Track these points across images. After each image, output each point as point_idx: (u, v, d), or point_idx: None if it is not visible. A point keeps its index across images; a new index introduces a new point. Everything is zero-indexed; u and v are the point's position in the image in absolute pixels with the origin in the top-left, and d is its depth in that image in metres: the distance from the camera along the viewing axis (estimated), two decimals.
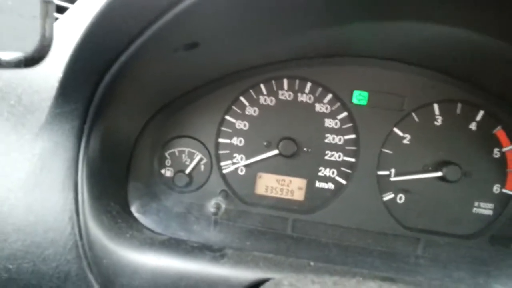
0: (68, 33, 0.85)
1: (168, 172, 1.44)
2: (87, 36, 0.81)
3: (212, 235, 1.29)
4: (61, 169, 0.91)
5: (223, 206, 1.36)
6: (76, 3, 1.06)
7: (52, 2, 0.65)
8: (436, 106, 1.36)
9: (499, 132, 1.36)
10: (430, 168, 1.37)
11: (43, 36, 0.67)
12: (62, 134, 0.90)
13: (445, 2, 0.89)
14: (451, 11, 0.93)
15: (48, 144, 0.89)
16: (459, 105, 1.36)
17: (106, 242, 0.98)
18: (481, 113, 1.35)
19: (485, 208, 1.38)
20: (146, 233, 1.12)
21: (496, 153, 1.36)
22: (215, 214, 1.31)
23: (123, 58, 0.86)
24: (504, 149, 1.36)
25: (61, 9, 1.12)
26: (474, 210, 1.38)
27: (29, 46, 0.66)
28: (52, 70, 0.87)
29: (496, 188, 1.37)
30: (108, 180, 1.12)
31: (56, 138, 0.90)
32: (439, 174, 1.34)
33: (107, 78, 0.90)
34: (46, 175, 0.89)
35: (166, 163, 1.44)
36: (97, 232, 0.97)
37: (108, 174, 1.12)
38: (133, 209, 1.25)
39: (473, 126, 1.36)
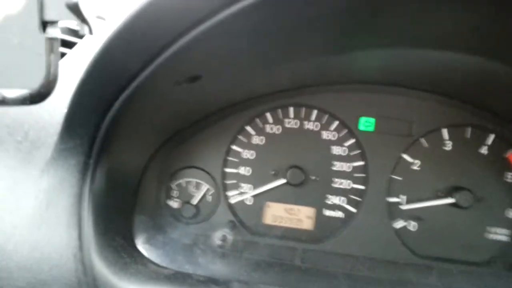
0: (75, 68, 0.86)
1: (175, 204, 1.43)
2: (90, 72, 0.82)
3: (219, 268, 1.26)
4: (66, 205, 0.91)
5: (229, 237, 1.34)
6: (84, 38, 1.09)
7: (57, 39, 0.66)
8: (445, 131, 1.34)
9: (511, 155, 1.33)
10: (441, 194, 1.34)
11: (48, 73, 0.67)
12: (67, 169, 0.91)
13: (454, 30, 0.89)
14: (461, 39, 0.93)
15: (53, 180, 0.89)
16: (469, 129, 1.34)
17: (110, 278, 0.97)
18: (492, 136, 1.33)
19: (500, 234, 1.34)
20: (151, 267, 1.10)
21: (509, 177, 1.33)
22: (221, 246, 1.29)
23: (126, 93, 0.87)
24: None
25: (69, 44, 1.15)
26: (489, 236, 1.34)
27: (34, 83, 0.67)
28: (59, 105, 0.88)
29: (510, 213, 1.33)
30: (114, 215, 1.11)
31: (62, 174, 0.90)
32: (451, 200, 1.31)
33: (112, 113, 0.90)
34: (52, 211, 0.89)
35: (173, 194, 1.43)
36: (101, 267, 0.96)
37: (113, 208, 1.11)
38: (139, 242, 1.24)
39: (483, 150, 1.34)
